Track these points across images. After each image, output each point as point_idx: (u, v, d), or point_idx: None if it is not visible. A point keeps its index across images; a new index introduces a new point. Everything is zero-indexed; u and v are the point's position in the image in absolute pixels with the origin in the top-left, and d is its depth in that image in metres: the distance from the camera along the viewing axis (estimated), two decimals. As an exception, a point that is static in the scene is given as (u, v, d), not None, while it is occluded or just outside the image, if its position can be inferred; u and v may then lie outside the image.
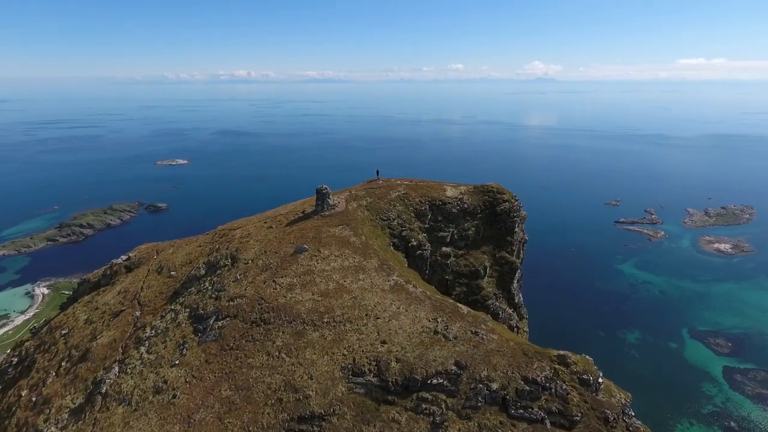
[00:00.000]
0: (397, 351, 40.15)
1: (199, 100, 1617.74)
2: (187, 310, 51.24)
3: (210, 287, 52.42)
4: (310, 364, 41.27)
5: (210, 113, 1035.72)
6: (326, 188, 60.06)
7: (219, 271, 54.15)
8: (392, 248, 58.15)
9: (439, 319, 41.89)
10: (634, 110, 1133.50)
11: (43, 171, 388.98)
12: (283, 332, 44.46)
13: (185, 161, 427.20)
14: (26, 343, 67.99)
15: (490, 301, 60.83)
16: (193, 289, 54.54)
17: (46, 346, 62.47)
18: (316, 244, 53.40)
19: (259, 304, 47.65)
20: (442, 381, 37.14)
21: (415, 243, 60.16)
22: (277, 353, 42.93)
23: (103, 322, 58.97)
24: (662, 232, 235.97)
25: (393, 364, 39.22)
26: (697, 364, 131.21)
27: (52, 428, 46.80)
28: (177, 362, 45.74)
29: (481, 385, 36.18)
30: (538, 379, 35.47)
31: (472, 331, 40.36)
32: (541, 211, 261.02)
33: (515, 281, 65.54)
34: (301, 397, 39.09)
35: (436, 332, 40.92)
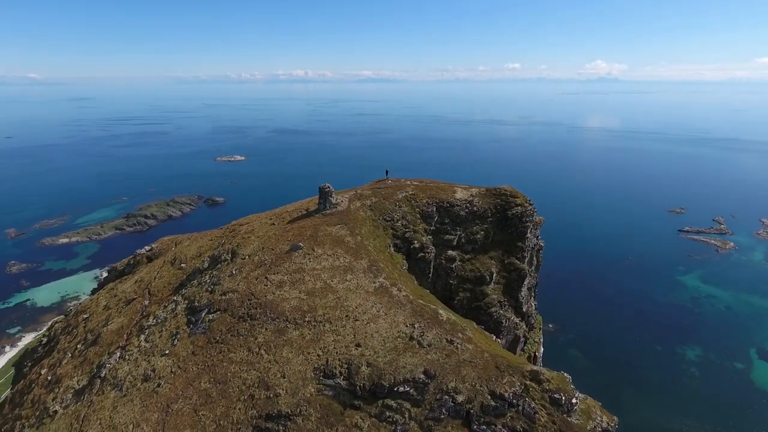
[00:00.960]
0: (369, 355, 39.31)
1: (258, 99, 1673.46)
2: (186, 301, 52.82)
3: (208, 280, 53.79)
4: (285, 363, 41.26)
5: (268, 112, 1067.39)
6: (329, 187, 59.98)
7: (219, 265, 55.46)
8: (392, 249, 57.22)
9: (416, 325, 40.60)
10: (705, 112, 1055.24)
11: (115, 164, 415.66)
12: (266, 329, 44.76)
13: (242, 158, 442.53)
14: (56, 325, 72.97)
15: (493, 309, 58.39)
16: (195, 281, 56.20)
17: (70, 329, 66.66)
18: (312, 243, 53.42)
19: (248, 300, 48.28)
20: (408, 389, 35.93)
21: (417, 245, 58.82)
22: (257, 349, 43.26)
23: (117, 309, 62.09)
24: (732, 243, 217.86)
25: (363, 368, 38.41)
26: (765, 387, 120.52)
27: (57, 406, 49.63)
28: (167, 352, 47.21)
29: (447, 397, 34.67)
30: (506, 395, 33.49)
31: (447, 339, 38.79)
32: (597, 218, 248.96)
33: (524, 289, 62.52)
34: (271, 395, 39.13)
35: (411, 338, 39.69)
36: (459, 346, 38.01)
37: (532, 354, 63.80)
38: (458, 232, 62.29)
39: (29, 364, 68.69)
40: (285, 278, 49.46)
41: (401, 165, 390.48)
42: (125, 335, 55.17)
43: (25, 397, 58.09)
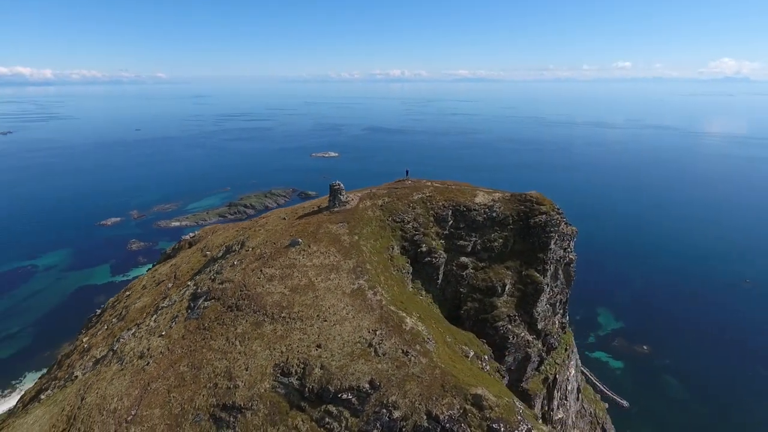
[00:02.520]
0: (326, 357, 38.43)
1: (355, 98, 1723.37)
2: (194, 287, 55.65)
3: (215, 269, 56.17)
4: (252, 356, 41.76)
5: (363, 110, 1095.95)
6: (339, 184, 59.66)
7: (228, 255, 57.67)
8: (397, 251, 55.42)
9: (378, 332, 38.91)
10: None
11: (223, 156, 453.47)
12: (246, 320, 45.66)
13: (336, 154, 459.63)
14: (110, 299, 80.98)
15: (500, 323, 54.13)
16: (207, 269, 59.04)
17: (114, 303, 73.62)
18: (310, 239, 53.53)
19: (240, 290, 49.58)
20: (351, 397, 34.57)
21: (424, 249, 56.37)
22: (233, 339, 44.27)
23: (149, 289, 67.29)
24: None
25: (316, 370, 37.65)
26: None
27: (78, 372, 54.91)
28: (163, 333, 50.06)
29: (384, 411, 32.77)
30: (441, 418, 30.82)
31: (403, 350, 36.69)
32: (708, 233, 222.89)
33: (542, 304, 57.14)
34: (231, 386, 39.81)
35: (370, 345, 38.12)
36: (412, 358, 35.77)
37: (550, 376, 58.32)
38: (473, 239, 58.69)
39: (83, 330, 77.00)
40: (276, 272, 50.10)
41: (491, 166, 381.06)
42: (145, 314, 59.60)
43: (65, 360, 65.24)
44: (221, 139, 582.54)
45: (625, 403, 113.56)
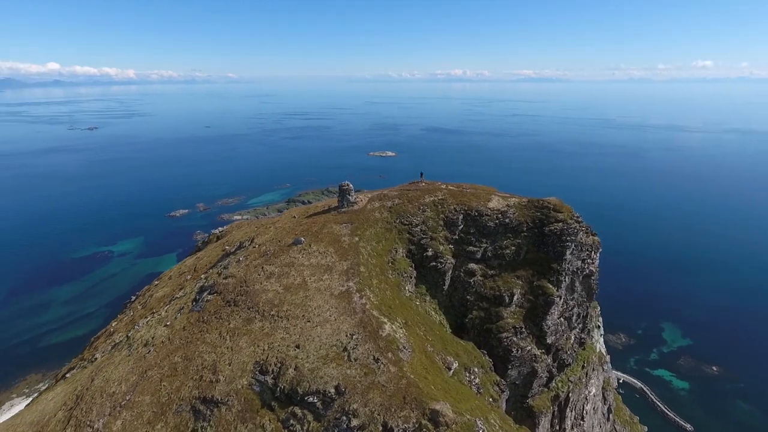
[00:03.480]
0: (301, 358, 38.27)
1: (415, 98, 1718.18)
2: (203, 281, 57.41)
3: (224, 264, 57.65)
4: (237, 351, 42.41)
5: (423, 110, 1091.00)
6: (348, 185, 59.32)
7: (238, 251, 59.00)
8: (402, 255, 54.24)
9: (354, 336, 38.23)
10: None
11: (284, 154, 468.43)
12: (239, 316, 46.46)
13: (393, 154, 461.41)
14: (145, 287, 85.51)
15: (504, 334, 51.50)
16: (219, 263, 60.73)
17: (145, 292, 77.59)
18: (312, 239, 53.64)
19: (240, 286, 50.55)
20: (316, 401, 34.23)
21: (430, 253, 54.83)
22: (225, 334, 45.17)
23: (172, 279, 70.30)
24: None
25: (290, 370, 37.57)
26: None
27: (98, 355, 58.32)
28: (168, 323, 52.01)
29: (344, 418, 32.12)
30: (395, 431, 29.66)
31: (374, 357, 35.81)
32: None
33: (553, 317, 53.75)
34: (213, 380, 40.65)
35: (345, 349, 37.51)
36: (382, 366, 34.83)
37: (562, 394, 54.89)
38: (484, 245, 56.35)
39: (117, 315, 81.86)
40: (276, 270, 50.62)
41: (546, 170, 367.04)
42: (161, 303, 62.29)
43: (95, 342, 69.63)
44: (283, 137, 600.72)
45: (689, 426, 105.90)
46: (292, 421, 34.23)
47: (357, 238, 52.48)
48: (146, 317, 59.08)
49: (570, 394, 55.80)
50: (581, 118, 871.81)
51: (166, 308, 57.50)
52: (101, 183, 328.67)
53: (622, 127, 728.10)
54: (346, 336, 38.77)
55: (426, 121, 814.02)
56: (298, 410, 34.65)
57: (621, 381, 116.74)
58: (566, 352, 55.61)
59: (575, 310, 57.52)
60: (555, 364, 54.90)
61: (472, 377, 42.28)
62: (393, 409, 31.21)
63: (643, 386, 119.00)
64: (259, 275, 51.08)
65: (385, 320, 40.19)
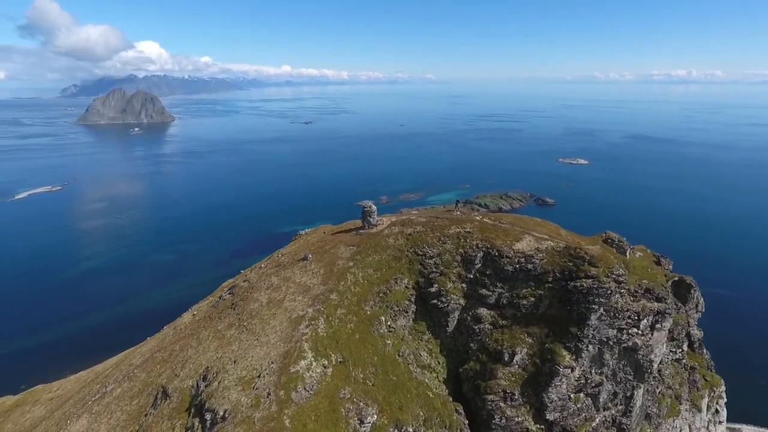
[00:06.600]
0: (229, 374, 40.26)
1: (621, 101, 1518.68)
2: (234, 280, 63.15)
3: (255, 267, 62.45)
4: (204, 352, 46.68)
5: (629, 115, 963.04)
6: (370, 206, 58.07)
7: (268, 258, 63.17)
8: (401, 286, 51.01)
9: (272, 365, 38.24)
10: None
11: (468, 154, 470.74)
12: (228, 320, 50.48)
13: (586, 161, 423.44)
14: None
15: (490, 396, 44.21)
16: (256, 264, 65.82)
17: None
18: (317, 257, 54.49)
19: (245, 292, 54.67)
20: (208, 419, 36.15)
21: (434, 290, 50.35)
22: (210, 334, 49.71)
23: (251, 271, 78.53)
24: None
25: (215, 383, 39.62)
26: None
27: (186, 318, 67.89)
28: (194, 313, 59.16)
29: (211, 444, 32.84)
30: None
31: (268, 391, 35.43)
32: None
33: (560, 390, 43.76)
34: (176, 374, 45.64)
35: (259, 375, 37.94)
36: (266, 403, 34.37)
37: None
38: (499, 289, 49.24)
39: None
40: (275, 282, 53.23)
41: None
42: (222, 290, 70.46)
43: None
44: (469, 139, 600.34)
45: None
46: (188, 430, 36.42)
47: (352, 263, 51.52)
48: (203, 302, 67.47)
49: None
50: None
51: (209, 299, 65.19)
52: (307, 171, 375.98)
53: None
54: (269, 363, 39.22)
55: (631, 127, 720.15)
56: (197, 422, 36.71)
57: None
58: (576, 434, 45.20)
59: (606, 387, 46.22)
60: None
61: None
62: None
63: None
64: (262, 284, 54.39)
65: (310, 355, 39.14)
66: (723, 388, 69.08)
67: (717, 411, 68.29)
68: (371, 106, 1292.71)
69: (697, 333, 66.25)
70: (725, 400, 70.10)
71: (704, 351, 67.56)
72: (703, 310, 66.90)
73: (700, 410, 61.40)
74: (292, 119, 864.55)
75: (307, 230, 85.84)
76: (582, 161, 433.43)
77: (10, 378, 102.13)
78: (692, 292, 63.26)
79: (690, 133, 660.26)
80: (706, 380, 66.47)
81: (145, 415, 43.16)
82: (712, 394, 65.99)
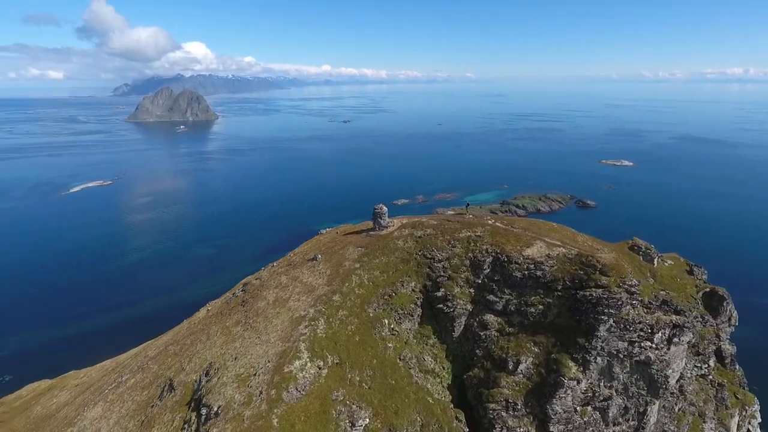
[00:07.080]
0: (227, 370, 41.12)
1: (671, 101, 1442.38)
2: (248, 277, 64.18)
3: (267, 266, 63.36)
4: (210, 348, 47.85)
5: (678, 115, 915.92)
6: (381, 208, 57.72)
7: (281, 257, 63.92)
8: (408, 289, 50.56)
9: (268, 364, 38.75)
10: None
11: (506, 154, 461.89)
12: (236, 317, 51.45)
13: (630, 163, 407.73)
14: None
15: (492, 405, 43.09)
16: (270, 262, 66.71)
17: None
18: (325, 257, 54.68)
19: (257, 289, 55.49)
20: (203, 413, 37.07)
21: (440, 294, 49.61)
22: (219, 331, 50.86)
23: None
24: None
25: (215, 379, 40.44)
26: None
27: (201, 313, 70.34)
28: (209, 308, 60.57)
29: (202, 439, 33.59)
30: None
31: (260, 390, 35.86)
32: None
33: (565, 403, 42.08)
34: (183, 368, 46.96)
35: (255, 374, 38.49)
36: (257, 402, 34.82)
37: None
38: (507, 296, 47.99)
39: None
40: (284, 281, 53.88)
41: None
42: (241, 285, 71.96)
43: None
44: (508, 138, 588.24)
45: None
46: (185, 423, 37.37)
47: (359, 265, 51.50)
48: (224, 295, 69.09)
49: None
50: None
51: (227, 294, 66.68)
52: (344, 169, 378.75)
53: None
54: (266, 361, 39.73)
55: (679, 127, 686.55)
56: (193, 415, 37.67)
57: None
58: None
59: (617, 401, 44.23)
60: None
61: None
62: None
63: None
64: (272, 283, 55.24)
65: (306, 356, 39.36)
66: (757, 407, 64.83)
67: (749, 431, 64.24)
68: (410, 105, 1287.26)
69: (729, 348, 62.39)
70: (759, 420, 65.83)
71: (736, 367, 63.57)
72: (737, 324, 63.05)
73: (728, 430, 57.93)
74: (330, 118, 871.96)
75: (327, 230, 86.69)
76: (626, 162, 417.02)
77: (53, 361, 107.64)
78: (725, 304, 59.68)
79: (743, 134, 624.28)
80: (737, 398, 62.55)
81: (152, 406, 44.71)
82: (743, 413, 62.06)
